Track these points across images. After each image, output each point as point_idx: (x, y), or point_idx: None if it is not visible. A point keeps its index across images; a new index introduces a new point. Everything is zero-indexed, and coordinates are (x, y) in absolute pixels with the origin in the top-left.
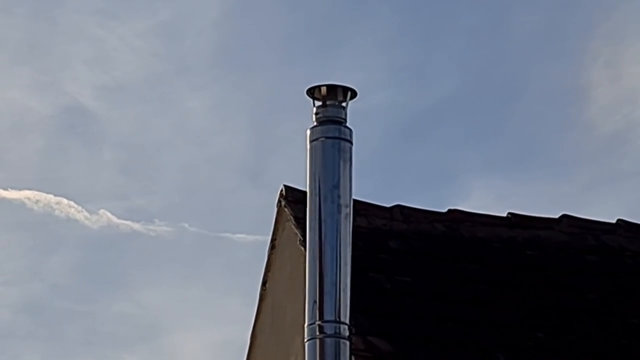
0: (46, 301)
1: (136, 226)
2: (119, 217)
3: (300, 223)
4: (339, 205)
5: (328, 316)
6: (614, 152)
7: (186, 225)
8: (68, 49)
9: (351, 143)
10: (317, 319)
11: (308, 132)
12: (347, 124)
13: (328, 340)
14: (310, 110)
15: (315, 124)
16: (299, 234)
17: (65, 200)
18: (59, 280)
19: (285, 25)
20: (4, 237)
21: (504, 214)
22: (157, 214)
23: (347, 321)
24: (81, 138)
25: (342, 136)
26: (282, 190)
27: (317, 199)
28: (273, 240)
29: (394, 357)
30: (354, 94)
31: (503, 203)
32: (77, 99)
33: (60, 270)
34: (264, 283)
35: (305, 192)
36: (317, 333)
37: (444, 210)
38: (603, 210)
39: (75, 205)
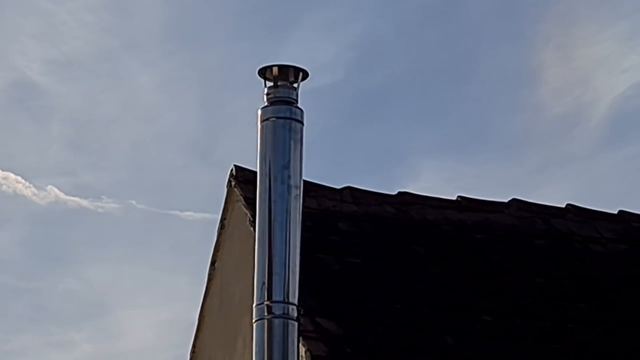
0: None
1: (84, 202)
2: (66, 193)
3: (250, 203)
4: (289, 186)
5: (277, 297)
6: (564, 134)
7: (134, 202)
8: (17, 22)
9: (302, 124)
10: (266, 299)
11: (259, 112)
12: (299, 105)
13: (276, 321)
14: (261, 88)
15: (266, 104)
16: (248, 214)
17: (12, 175)
18: (5, 256)
19: (236, 3)
20: None
21: (454, 196)
22: (105, 190)
23: (296, 302)
24: (29, 113)
25: (293, 117)
26: (232, 170)
27: (267, 179)
28: (222, 220)
29: (341, 339)
30: (305, 75)
31: (453, 184)
32: (26, 73)
33: (6, 246)
34: (212, 263)
35: (255, 172)
36: (266, 314)
37: (394, 192)
38: (552, 192)
39: (23, 181)
